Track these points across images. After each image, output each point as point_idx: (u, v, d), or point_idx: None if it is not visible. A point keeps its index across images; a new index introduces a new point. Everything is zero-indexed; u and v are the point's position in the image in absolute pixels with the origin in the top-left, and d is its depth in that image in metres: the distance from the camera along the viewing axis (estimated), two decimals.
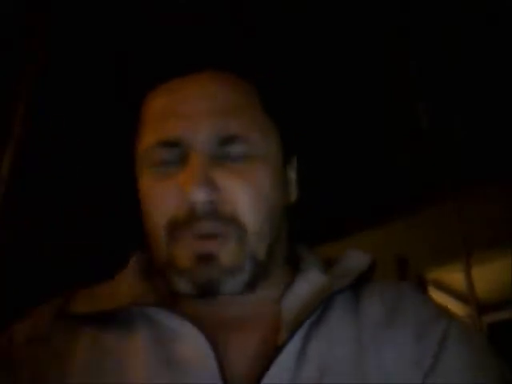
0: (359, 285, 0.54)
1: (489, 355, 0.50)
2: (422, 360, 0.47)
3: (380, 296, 0.53)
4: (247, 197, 0.51)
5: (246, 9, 1.60)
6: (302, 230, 0.62)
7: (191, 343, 0.48)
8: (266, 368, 0.45)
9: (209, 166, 0.50)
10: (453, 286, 2.82)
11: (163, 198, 0.51)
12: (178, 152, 0.52)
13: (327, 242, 2.05)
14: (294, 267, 0.57)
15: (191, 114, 0.52)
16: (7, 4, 1.53)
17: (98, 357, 0.49)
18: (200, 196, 0.49)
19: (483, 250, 2.27)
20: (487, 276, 2.50)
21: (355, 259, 0.56)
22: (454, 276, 2.52)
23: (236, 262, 0.50)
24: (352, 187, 2.40)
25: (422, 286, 2.59)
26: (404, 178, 2.38)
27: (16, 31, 1.59)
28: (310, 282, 0.54)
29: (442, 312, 0.53)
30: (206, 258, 0.49)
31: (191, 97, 0.54)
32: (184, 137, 0.51)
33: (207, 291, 0.50)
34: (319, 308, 0.49)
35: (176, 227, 0.50)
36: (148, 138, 0.54)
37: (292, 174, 0.61)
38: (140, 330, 0.50)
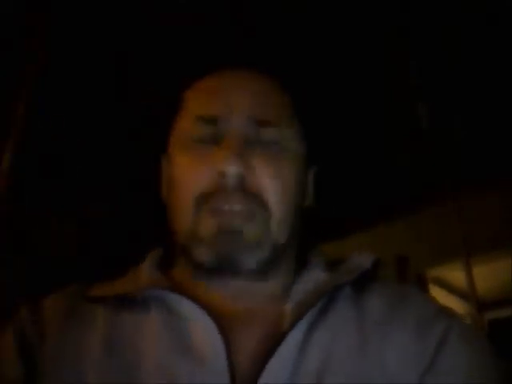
0: (363, 284, 0.55)
1: (488, 356, 0.50)
2: (421, 358, 0.48)
3: (382, 295, 0.54)
4: (275, 182, 0.53)
5: (246, 9, 1.60)
6: (302, 229, 0.63)
7: (202, 329, 0.49)
8: (270, 355, 0.46)
9: (243, 145, 0.53)
10: (453, 283, 2.83)
11: (197, 172, 0.53)
12: (215, 130, 0.54)
13: (327, 242, 2.05)
14: (301, 267, 0.59)
15: (231, 96, 0.55)
16: (7, 4, 1.53)
17: (113, 338, 0.51)
18: (232, 168, 0.51)
19: (483, 250, 2.27)
20: (487, 275, 2.51)
21: (359, 259, 0.57)
22: (455, 274, 2.53)
23: (258, 239, 0.52)
24: (352, 187, 2.40)
25: (422, 284, 2.59)
26: (404, 178, 2.38)
27: (16, 31, 1.59)
28: (313, 278, 0.55)
29: (443, 311, 0.53)
30: (230, 232, 0.51)
31: (234, 84, 0.57)
32: (222, 115, 0.54)
33: (227, 264, 0.51)
34: (321, 300, 0.51)
35: (205, 200, 0.52)
36: (187, 115, 0.57)
37: (310, 181, 0.63)
38: (155, 315, 0.52)
